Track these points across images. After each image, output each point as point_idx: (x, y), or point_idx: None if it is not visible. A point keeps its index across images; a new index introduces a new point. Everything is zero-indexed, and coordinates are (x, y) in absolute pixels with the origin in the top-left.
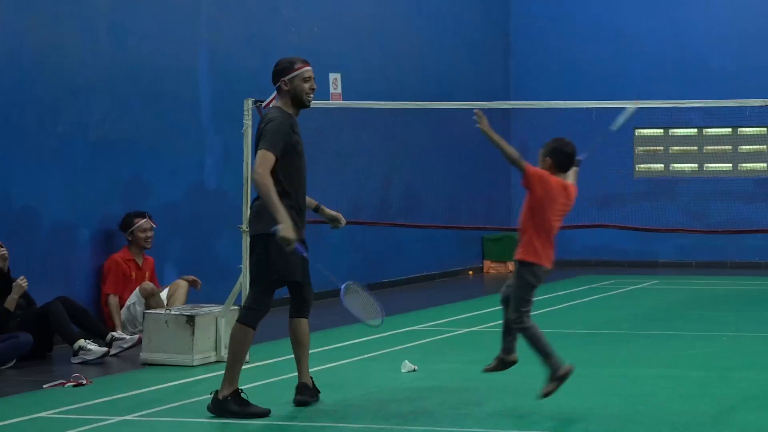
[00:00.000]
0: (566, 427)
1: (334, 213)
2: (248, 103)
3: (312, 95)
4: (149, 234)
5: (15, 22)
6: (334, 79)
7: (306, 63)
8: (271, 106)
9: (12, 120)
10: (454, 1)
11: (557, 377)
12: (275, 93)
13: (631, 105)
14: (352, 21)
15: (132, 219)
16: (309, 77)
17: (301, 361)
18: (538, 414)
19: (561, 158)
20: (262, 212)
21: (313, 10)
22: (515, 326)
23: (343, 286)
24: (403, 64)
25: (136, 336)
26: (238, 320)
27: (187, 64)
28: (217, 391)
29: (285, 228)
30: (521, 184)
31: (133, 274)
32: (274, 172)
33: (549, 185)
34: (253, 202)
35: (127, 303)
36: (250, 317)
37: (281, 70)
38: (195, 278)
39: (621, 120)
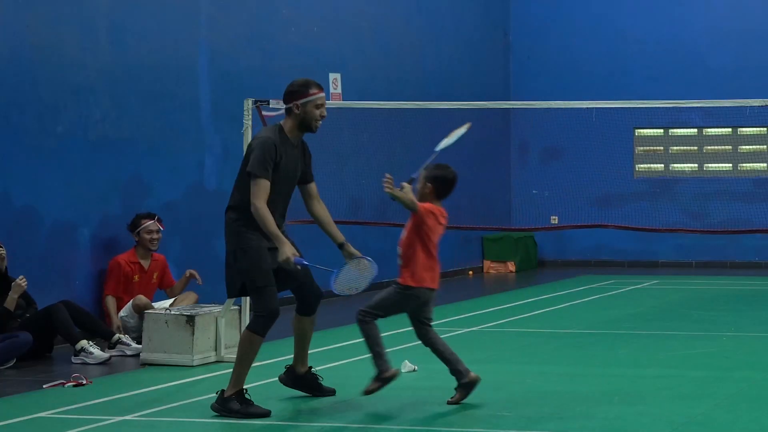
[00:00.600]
0: (566, 427)
1: (356, 253)
2: (248, 103)
3: (320, 123)
4: (155, 236)
5: (15, 22)
6: (334, 79)
7: (320, 89)
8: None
9: (12, 120)
10: (454, 1)
11: (382, 378)
12: (282, 111)
13: (463, 128)
14: (352, 21)
15: (140, 220)
16: (322, 104)
17: (296, 351)
18: (538, 414)
19: (442, 186)
20: (229, 227)
21: (313, 9)
22: (358, 316)
23: (335, 288)
24: (403, 64)
25: (140, 346)
26: (247, 326)
27: (187, 64)
28: (223, 390)
29: (282, 252)
30: (414, 218)
31: (136, 276)
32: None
33: (435, 215)
34: (225, 212)
35: (121, 313)
36: (255, 324)
37: (294, 92)
38: (194, 272)
39: (449, 140)
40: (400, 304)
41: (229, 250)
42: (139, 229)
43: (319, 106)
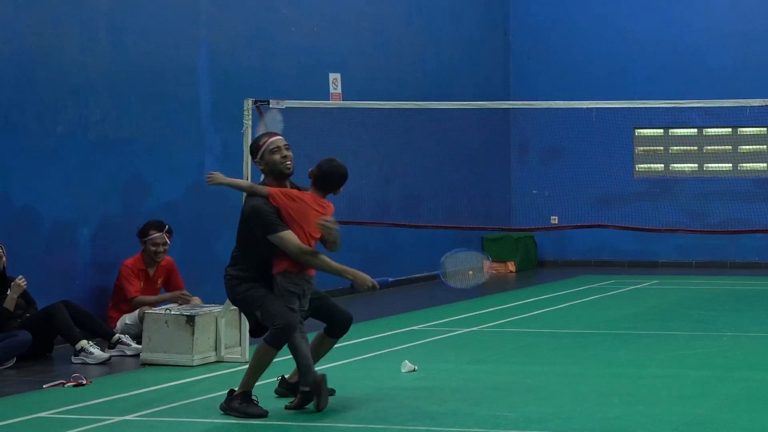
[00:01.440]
0: (566, 427)
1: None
2: (248, 103)
3: (288, 162)
4: (160, 249)
5: (15, 22)
6: (334, 79)
7: (272, 135)
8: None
9: (12, 120)
10: (454, 1)
11: (314, 388)
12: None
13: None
14: (352, 21)
15: (148, 230)
16: (276, 147)
17: None
18: (538, 414)
19: (321, 177)
20: (227, 284)
21: (313, 9)
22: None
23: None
24: (403, 64)
25: (140, 346)
26: (263, 337)
27: (187, 63)
28: (233, 390)
29: (361, 282)
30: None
31: (141, 283)
32: (249, 244)
33: (297, 197)
34: (225, 274)
35: (125, 320)
36: (270, 337)
37: (253, 151)
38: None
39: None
40: (291, 288)
41: (232, 300)
42: (146, 239)
43: (273, 151)
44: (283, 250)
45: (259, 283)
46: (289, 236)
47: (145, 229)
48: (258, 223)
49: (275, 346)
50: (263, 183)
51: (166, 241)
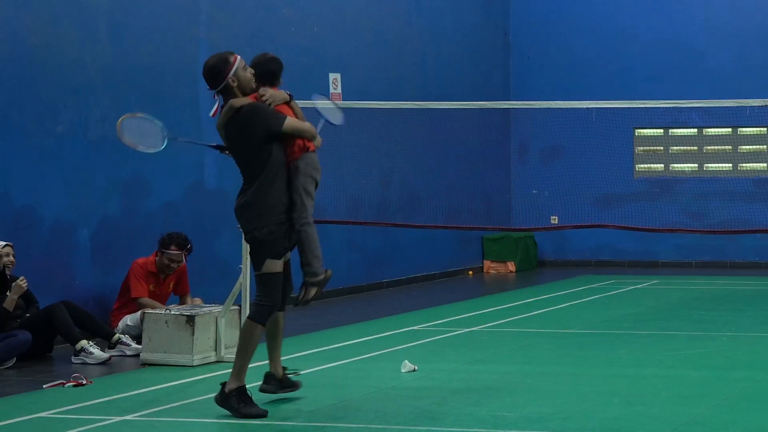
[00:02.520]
0: (566, 427)
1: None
2: None
3: (254, 77)
4: (173, 265)
5: (15, 22)
6: (334, 79)
7: (232, 54)
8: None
9: (12, 120)
10: (454, 1)
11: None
12: (217, 103)
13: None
14: (352, 20)
15: (170, 243)
16: (245, 65)
17: (271, 352)
18: (538, 414)
19: (262, 72)
20: (242, 218)
21: (313, 9)
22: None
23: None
24: (403, 64)
25: (140, 346)
26: (248, 315)
27: (187, 63)
28: (225, 383)
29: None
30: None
31: (151, 286)
32: (254, 163)
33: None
34: (239, 194)
35: (127, 321)
36: (257, 313)
37: (220, 71)
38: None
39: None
40: (313, 178)
41: (245, 236)
42: (164, 251)
43: (246, 68)
44: (290, 142)
45: (276, 223)
46: (293, 122)
47: (167, 242)
48: (264, 121)
49: (262, 323)
50: (231, 104)
51: (182, 260)
